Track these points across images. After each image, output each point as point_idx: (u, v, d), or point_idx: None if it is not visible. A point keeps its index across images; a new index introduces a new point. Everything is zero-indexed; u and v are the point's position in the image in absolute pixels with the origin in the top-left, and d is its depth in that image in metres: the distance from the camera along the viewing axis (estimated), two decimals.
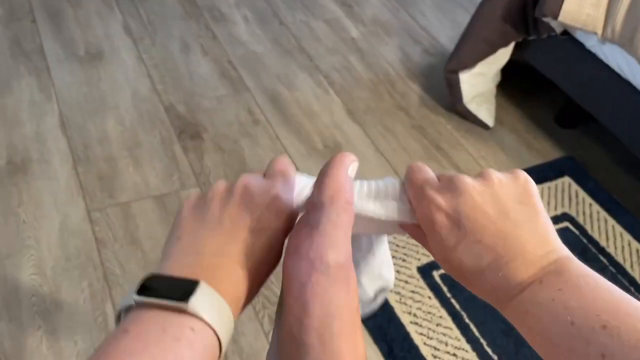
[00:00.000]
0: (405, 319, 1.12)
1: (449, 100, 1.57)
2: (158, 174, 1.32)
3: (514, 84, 1.67)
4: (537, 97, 1.69)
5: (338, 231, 0.29)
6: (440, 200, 0.34)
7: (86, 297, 1.08)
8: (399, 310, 1.13)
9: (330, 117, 1.54)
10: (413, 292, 1.16)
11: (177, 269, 0.30)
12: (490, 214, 0.33)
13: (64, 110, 1.44)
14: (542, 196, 1.39)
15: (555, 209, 1.37)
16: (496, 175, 0.34)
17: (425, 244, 0.36)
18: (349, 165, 0.33)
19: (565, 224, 1.33)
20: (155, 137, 1.41)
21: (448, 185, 0.34)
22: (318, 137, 1.48)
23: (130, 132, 1.42)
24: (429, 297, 1.16)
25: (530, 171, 1.41)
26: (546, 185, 1.42)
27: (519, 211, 0.33)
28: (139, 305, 0.27)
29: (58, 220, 1.20)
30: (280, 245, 0.34)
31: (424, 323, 1.12)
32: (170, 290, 0.27)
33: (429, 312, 1.13)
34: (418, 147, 1.49)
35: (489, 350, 1.09)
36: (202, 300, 0.27)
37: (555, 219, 1.33)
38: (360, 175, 0.34)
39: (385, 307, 1.13)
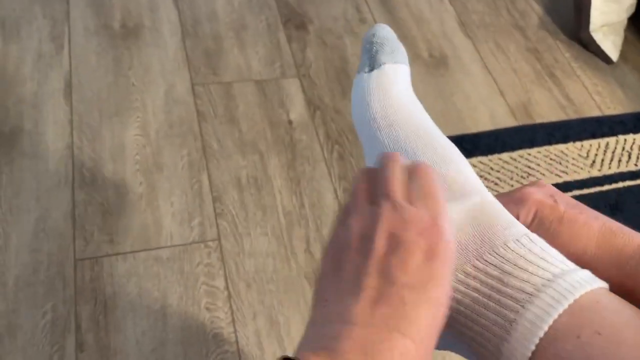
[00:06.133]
0: None
1: (573, 26, 1.45)
2: (261, 59, 1.32)
3: None
4: None
5: None
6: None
7: (185, 164, 1.13)
8: None
9: (440, 26, 1.46)
10: None
11: (318, 340, 0.27)
12: None
13: None
14: None
15: None
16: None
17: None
18: None
19: None
20: (261, 22, 1.40)
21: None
22: (424, 45, 1.41)
23: (238, 13, 1.41)
24: None
25: None
26: None
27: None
28: None
29: (164, 89, 1.23)
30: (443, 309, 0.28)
31: None
32: None
33: None
34: (529, 71, 1.40)
35: None
36: None
37: None
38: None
39: None
